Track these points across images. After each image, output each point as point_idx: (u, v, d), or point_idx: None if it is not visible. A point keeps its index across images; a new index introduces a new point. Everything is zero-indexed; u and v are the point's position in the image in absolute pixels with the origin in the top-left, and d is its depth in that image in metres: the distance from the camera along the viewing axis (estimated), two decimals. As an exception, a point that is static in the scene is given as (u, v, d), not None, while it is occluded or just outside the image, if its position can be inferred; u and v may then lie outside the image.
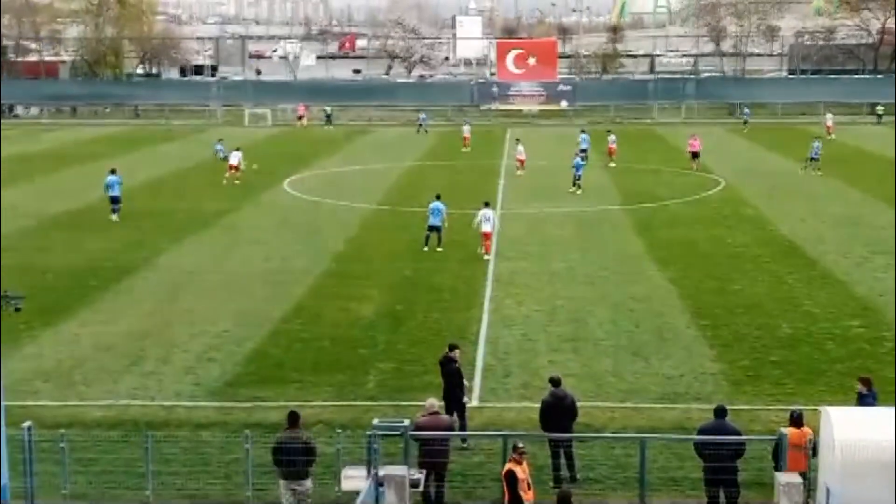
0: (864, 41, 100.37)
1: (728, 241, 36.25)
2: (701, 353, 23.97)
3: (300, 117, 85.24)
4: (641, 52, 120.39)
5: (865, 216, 40.61)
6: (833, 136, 67.70)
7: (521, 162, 53.02)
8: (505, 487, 14.70)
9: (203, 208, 42.96)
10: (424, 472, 15.90)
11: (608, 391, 21.51)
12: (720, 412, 16.32)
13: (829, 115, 73.09)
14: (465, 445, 18.07)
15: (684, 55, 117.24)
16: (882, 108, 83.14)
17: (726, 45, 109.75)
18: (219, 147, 57.78)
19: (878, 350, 24.09)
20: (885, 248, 34.52)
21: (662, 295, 29.12)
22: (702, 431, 16.25)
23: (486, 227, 33.69)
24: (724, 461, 15.57)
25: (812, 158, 52.52)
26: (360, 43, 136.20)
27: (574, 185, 46.12)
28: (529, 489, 14.74)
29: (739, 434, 16.13)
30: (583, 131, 61.58)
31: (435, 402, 17.22)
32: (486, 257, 33.24)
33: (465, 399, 19.25)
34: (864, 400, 17.31)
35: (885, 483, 14.40)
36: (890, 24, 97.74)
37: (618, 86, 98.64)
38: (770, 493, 15.43)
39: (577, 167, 46.59)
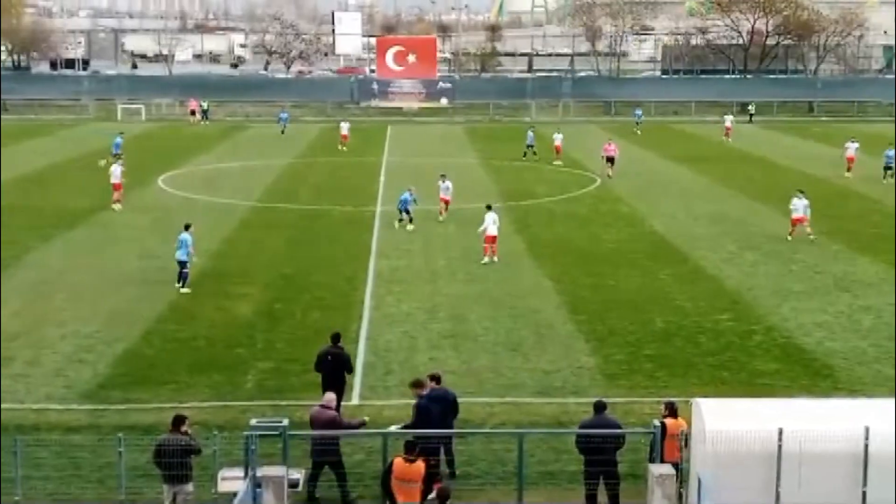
0: (734, 42, 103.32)
1: (604, 238, 36.89)
2: (577, 347, 24.34)
3: (192, 112, 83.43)
4: (520, 51, 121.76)
5: (735, 214, 41.75)
6: (730, 138, 68.45)
7: (446, 203, 39.60)
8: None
9: (74, 205, 41.83)
10: (304, 471, 15.78)
11: (487, 387, 21.64)
12: (600, 407, 16.56)
13: (728, 117, 73.18)
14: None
15: (559, 55, 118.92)
16: (752, 106, 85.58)
17: (602, 45, 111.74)
18: (118, 141, 55.38)
19: (746, 343, 24.80)
20: (754, 244, 35.61)
21: (540, 291, 29.47)
22: (583, 426, 16.47)
23: (492, 231, 32.69)
24: (605, 455, 15.82)
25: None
26: (238, 38, 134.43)
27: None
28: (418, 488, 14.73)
29: (620, 427, 16.40)
30: (531, 128, 62.17)
31: (333, 396, 17.19)
32: (493, 259, 32.50)
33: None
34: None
35: (754, 472, 14.84)
36: (759, 25, 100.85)
37: (496, 84, 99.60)
38: (643, 484, 15.71)
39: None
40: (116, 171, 42.33)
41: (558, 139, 58.34)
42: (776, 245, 35.48)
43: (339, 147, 64.26)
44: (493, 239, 32.75)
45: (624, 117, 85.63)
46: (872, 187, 47.93)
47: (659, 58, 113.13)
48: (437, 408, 16.92)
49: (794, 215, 35.92)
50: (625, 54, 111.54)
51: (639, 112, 79.51)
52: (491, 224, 32.73)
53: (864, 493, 14.82)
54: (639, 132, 73.92)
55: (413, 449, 14.80)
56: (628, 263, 33.03)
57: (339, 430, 16.43)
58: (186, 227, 29.81)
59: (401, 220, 37.84)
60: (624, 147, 58.52)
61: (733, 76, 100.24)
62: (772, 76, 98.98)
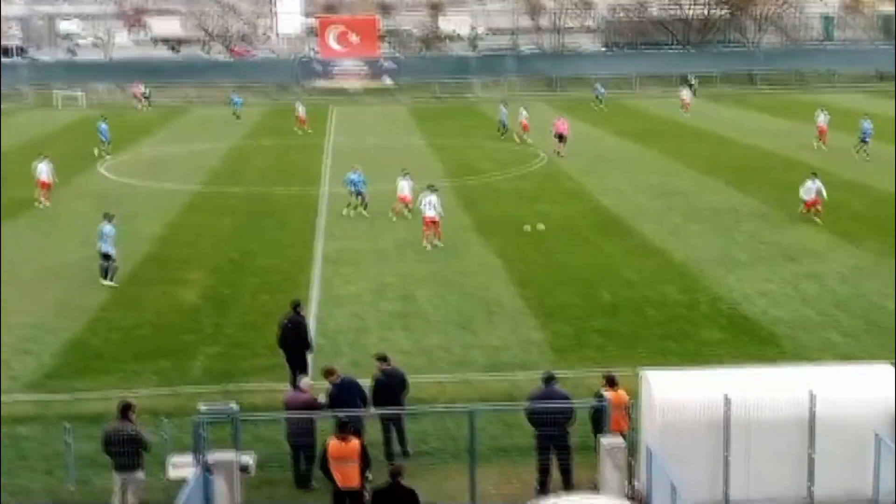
0: (675, 15, 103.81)
1: (550, 214, 36.96)
2: (526, 323, 24.43)
3: (136, 96, 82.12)
4: (462, 29, 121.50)
5: (681, 187, 42.04)
6: (688, 112, 68.42)
7: (406, 202, 36.11)
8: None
9: (14, 195, 41.11)
10: (254, 455, 15.71)
11: (438, 365, 21.69)
12: (549, 379, 16.66)
13: (684, 91, 73.39)
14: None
15: (497, 32, 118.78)
16: (695, 79, 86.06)
17: (544, 21, 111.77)
18: (103, 126, 53.92)
19: (693, 313, 25.05)
20: (699, 217, 35.92)
21: (489, 268, 29.52)
22: (532, 398, 16.55)
23: (428, 212, 31.91)
24: (556, 427, 15.90)
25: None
26: (175, 24, 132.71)
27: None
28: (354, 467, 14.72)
29: (569, 399, 16.48)
30: (503, 104, 61.72)
31: (308, 380, 17.17)
32: (436, 243, 31.83)
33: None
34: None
35: (703, 441, 14.99)
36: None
37: (440, 62, 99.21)
38: (594, 456, 15.81)
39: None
40: (43, 169, 39.86)
41: (524, 116, 57.97)
42: (721, 217, 35.83)
43: (296, 130, 63.37)
44: (431, 222, 32.03)
45: (567, 92, 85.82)
46: (814, 156, 48.46)
47: (602, 33, 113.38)
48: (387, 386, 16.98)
49: (808, 197, 34.58)
50: (567, 30, 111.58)
51: (600, 88, 78.81)
52: (427, 206, 31.99)
53: (810, 457, 15.04)
54: (605, 108, 73.47)
55: (345, 427, 14.81)
56: (575, 238, 33.18)
57: (316, 412, 16.37)
58: (108, 219, 28.41)
59: (349, 205, 37.25)
60: (570, 123, 58.56)
61: (675, 49, 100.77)
62: (713, 48, 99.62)
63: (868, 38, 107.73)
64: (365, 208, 36.87)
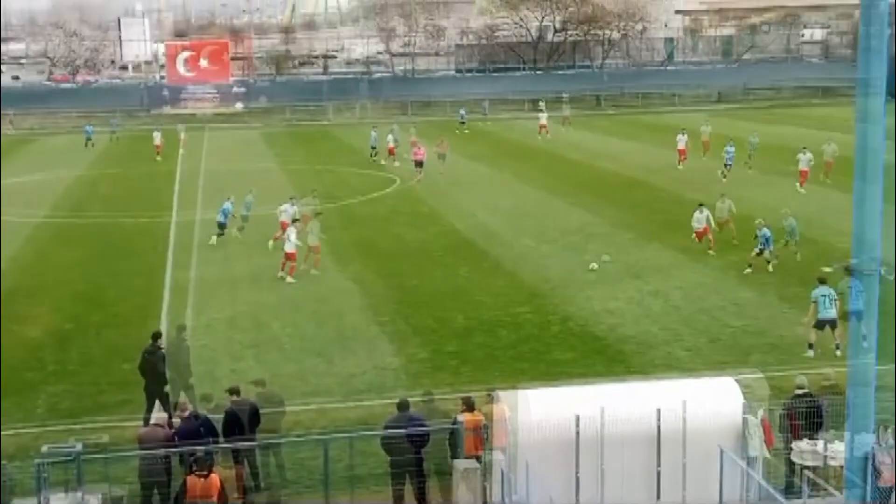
0: (523, 39, 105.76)
1: (405, 239, 37.11)
2: (381, 348, 24.42)
3: None
4: (315, 53, 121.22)
5: (531, 209, 42.69)
6: (548, 134, 68.96)
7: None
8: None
9: None
10: (100, 495, 15.22)
11: (292, 394, 21.38)
12: (404, 406, 16.68)
13: (541, 114, 74.00)
14: None
15: (351, 61, 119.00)
16: (543, 103, 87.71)
17: (396, 45, 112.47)
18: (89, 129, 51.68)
19: (545, 333, 25.44)
20: (549, 237, 36.55)
21: (343, 294, 29.42)
22: (387, 425, 16.51)
23: (288, 247, 30.85)
24: (410, 453, 15.90)
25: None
26: (18, 47, 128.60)
27: None
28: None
29: (424, 424, 16.52)
30: (374, 128, 62.06)
31: (162, 415, 16.78)
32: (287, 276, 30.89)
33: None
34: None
35: (556, 459, 15.18)
36: (547, 22, 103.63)
37: (292, 86, 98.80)
38: (450, 479, 15.87)
39: None
40: None
41: (391, 140, 57.96)
42: (570, 237, 36.54)
43: (156, 157, 61.79)
44: (291, 255, 31.04)
45: (421, 116, 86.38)
46: (657, 177, 49.89)
47: (452, 57, 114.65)
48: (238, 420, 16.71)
49: (699, 226, 33.39)
50: (419, 54, 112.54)
51: (462, 112, 79.24)
52: (310, 234, 31.51)
53: (658, 472, 15.39)
54: (466, 131, 74.09)
55: (204, 463, 14.53)
56: (429, 262, 33.36)
57: (168, 448, 15.93)
58: None
59: (220, 235, 36.28)
60: (426, 147, 58.86)
61: (524, 72, 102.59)
62: (560, 71, 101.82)
63: (708, 59, 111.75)
64: (219, 236, 36.27)
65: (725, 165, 48.41)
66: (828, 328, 23.03)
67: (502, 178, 51.62)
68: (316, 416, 20.18)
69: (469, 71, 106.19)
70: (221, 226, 36.26)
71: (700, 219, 33.39)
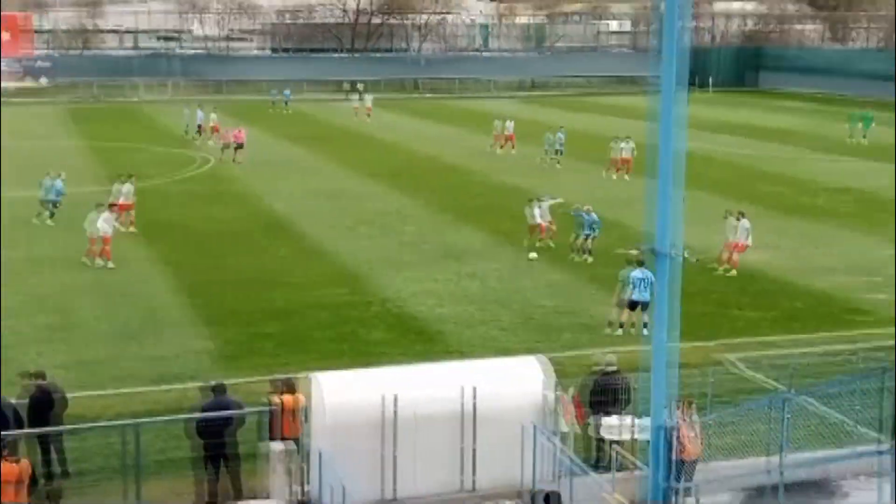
0: (341, 20, 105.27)
1: (220, 219, 36.45)
2: (195, 331, 23.92)
3: None
4: (124, 28, 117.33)
5: (350, 190, 42.64)
6: (369, 118, 68.70)
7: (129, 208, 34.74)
8: None
9: None
10: None
11: (101, 379, 20.77)
12: (219, 389, 16.42)
13: (368, 96, 73.04)
14: None
15: (163, 36, 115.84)
16: (362, 85, 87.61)
17: (210, 23, 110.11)
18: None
19: (363, 315, 25.46)
20: (368, 218, 36.60)
21: (155, 276, 28.69)
22: (205, 409, 16.23)
23: (93, 230, 29.48)
24: (224, 436, 15.68)
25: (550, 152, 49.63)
26: None
27: None
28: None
29: (241, 407, 16.30)
30: (200, 107, 59.49)
31: None
32: (95, 262, 29.45)
33: None
34: None
35: (372, 440, 15.25)
36: (364, 4, 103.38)
37: (100, 62, 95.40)
38: (266, 462, 15.73)
39: None
40: None
41: (214, 119, 56.68)
42: (388, 219, 36.68)
43: None
44: (101, 240, 29.61)
45: (236, 95, 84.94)
46: (475, 160, 50.63)
47: (268, 36, 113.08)
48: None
49: (531, 222, 32.30)
50: (233, 33, 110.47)
51: (287, 92, 78.08)
52: (101, 222, 29.86)
53: (473, 451, 15.65)
54: (288, 112, 73.02)
55: (15, 449, 14.00)
56: (245, 243, 32.89)
57: None
58: None
59: (52, 214, 34.89)
60: (234, 125, 57.90)
61: (342, 55, 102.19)
62: (378, 54, 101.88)
63: (522, 47, 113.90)
64: (50, 216, 34.93)
65: (557, 152, 48.95)
66: (639, 308, 23.83)
67: (320, 161, 51.33)
68: (125, 401, 19.58)
69: (286, 51, 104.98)
70: (55, 204, 34.96)
71: (534, 214, 32.03)
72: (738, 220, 29.48)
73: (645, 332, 23.13)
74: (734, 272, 28.90)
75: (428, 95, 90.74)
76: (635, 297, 23.61)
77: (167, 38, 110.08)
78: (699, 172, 38.15)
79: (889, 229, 34.21)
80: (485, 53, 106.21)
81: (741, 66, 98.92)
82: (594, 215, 30.82)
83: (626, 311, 23.92)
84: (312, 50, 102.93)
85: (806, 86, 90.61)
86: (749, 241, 29.28)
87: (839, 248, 32.43)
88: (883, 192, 41.93)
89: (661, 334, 12.65)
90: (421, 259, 30.93)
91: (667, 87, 12.09)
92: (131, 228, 33.86)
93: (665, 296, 12.65)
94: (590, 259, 30.34)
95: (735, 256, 29.14)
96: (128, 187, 34.49)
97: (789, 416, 14.20)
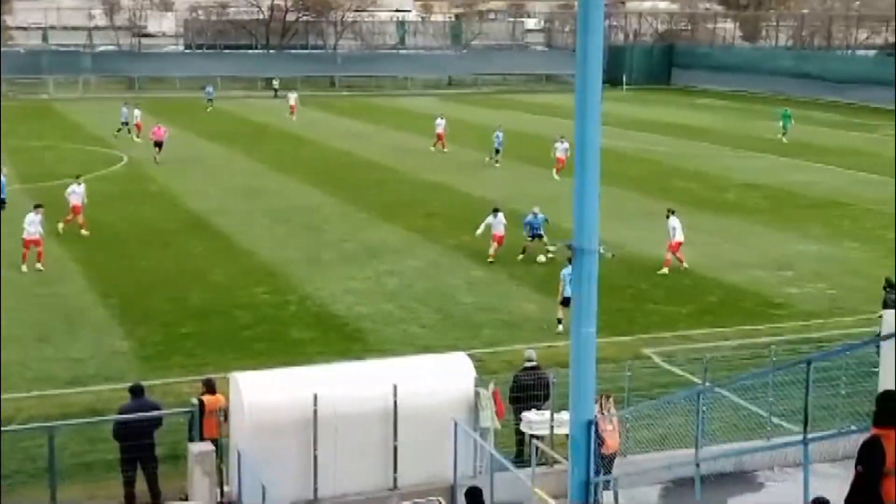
0: (255, 17, 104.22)
1: (135, 218, 35.88)
2: (111, 332, 23.56)
3: None
4: (34, 24, 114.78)
5: (267, 188, 42.27)
6: (295, 116, 67.98)
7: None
8: None
9: None
10: None
11: (14, 381, 20.32)
12: (137, 391, 16.20)
13: (292, 94, 72.13)
14: None
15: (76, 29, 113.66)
16: (277, 81, 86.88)
17: (121, 19, 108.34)
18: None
19: (282, 313, 25.31)
20: (286, 217, 36.34)
21: (68, 276, 28.16)
22: (122, 412, 16.00)
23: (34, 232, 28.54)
24: (142, 439, 15.47)
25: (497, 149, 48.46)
26: None
27: None
28: None
29: (158, 408, 16.10)
30: (125, 104, 58.21)
31: None
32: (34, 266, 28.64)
33: None
34: None
35: (293, 439, 15.16)
36: (279, 0, 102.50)
37: (8, 58, 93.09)
38: (185, 463, 15.54)
39: None
40: None
41: (137, 116, 55.90)
42: (307, 217, 36.48)
43: None
44: (33, 242, 28.87)
45: (148, 93, 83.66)
46: (390, 157, 50.57)
47: (181, 32, 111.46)
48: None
49: (495, 231, 30.30)
50: (146, 30, 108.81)
51: (210, 89, 76.86)
52: (39, 225, 29.09)
53: (395, 448, 15.65)
54: (210, 110, 72.01)
55: None
56: (161, 242, 32.44)
57: None
58: None
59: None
60: (154, 122, 57.00)
61: (256, 51, 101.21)
62: (294, 52, 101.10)
63: (438, 44, 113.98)
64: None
65: (496, 150, 48.27)
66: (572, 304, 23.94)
67: (235, 157, 50.83)
68: (40, 403, 19.22)
69: (199, 47, 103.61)
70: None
71: (495, 223, 30.37)
72: (667, 218, 29.60)
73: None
74: (665, 270, 29.06)
75: (345, 93, 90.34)
76: (566, 293, 23.80)
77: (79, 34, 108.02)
78: (614, 169, 38.62)
79: (799, 225, 35.09)
80: (402, 51, 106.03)
81: (654, 65, 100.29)
82: (541, 216, 30.20)
83: (561, 308, 24.13)
84: (227, 47, 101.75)
85: (717, 83, 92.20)
86: (679, 238, 29.30)
87: (750, 243, 33.09)
88: (792, 188, 42.89)
89: (580, 329, 12.76)
90: (340, 257, 30.81)
91: (582, 85, 12.18)
92: (83, 231, 33.16)
93: (584, 291, 12.76)
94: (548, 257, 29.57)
95: (668, 255, 29.36)
96: (81, 188, 33.72)
97: (705, 408, 14.44)
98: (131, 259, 30.18)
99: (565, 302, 23.99)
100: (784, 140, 57.08)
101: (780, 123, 58.81)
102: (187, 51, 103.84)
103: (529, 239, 30.31)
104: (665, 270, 29.05)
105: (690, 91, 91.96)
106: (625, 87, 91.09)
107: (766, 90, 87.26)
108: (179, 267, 29.47)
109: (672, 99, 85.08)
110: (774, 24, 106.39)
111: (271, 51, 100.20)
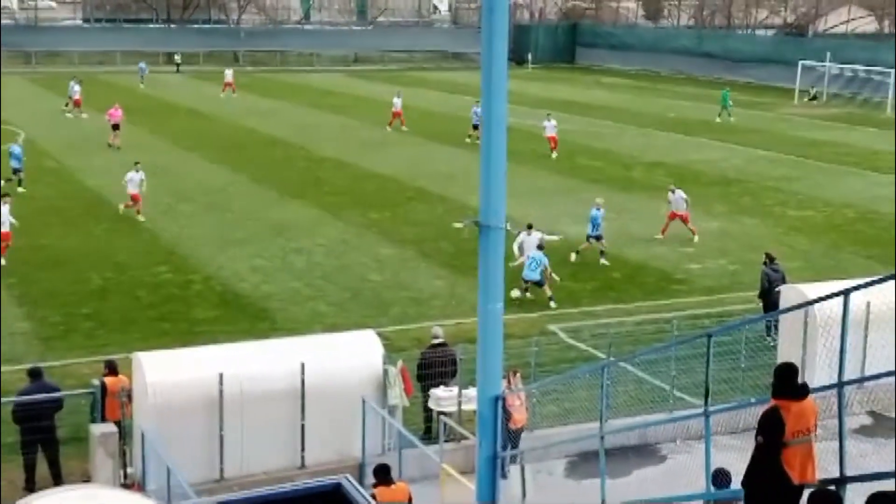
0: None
1: (31, 196, 34.98)
2: (9, 312, 22.95)
3: None
4: None
5: (169, 165, 41.50)
6: (235, 93, 66.59)
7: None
8: None
9: None
10: None
11: None
12: (36, 374, 15.90)
13: (228, 71, 70.41)
14: None
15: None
16: (179, 56, 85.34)
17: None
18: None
19: (186, 293, 24.99)
20: (189, 195, 35.81)
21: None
22: (22, 394, 15.66)
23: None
24: (42, 421, 15.18)
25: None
26: None
27: None
28: None
29: (58, 391, 15.80)
30: (75, 80, 56.40)
31: None
32: None
33: None
34: None
35: (198, 419, 15.01)
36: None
37: None
38: (87, 445, 15.28)
39: None
40: None
41: (77, 91, 54.96)
42: (211, 195, 35.99)
43: None
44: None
45: (46, 68, 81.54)
46: (297, 135, 50.12)
47: (79, 5, 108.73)
48: None
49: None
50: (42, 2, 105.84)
51: (143, 66, 74.86)
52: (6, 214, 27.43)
53: (302, 427, 15.59)
54: (143, 86, 70.36)
55: None
56: (61, 221, 31.73)
57: None
58: None
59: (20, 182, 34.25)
60: (48, 100, 55.86)
61: (158, 25, 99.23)
62: (196, 26, 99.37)
63: (344, 20, 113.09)
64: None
65: (474, 127, 45.51)
66: (534, 287, 24.35)
67: (137, 133, 49.78)
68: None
69: (98, 21, 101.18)
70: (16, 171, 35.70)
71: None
72: (672, 192, 30.82)
73: (553, 304, 23.75)
74: (696, 238, 30.33)
75: (248, 69, 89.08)
76: (525, 276, 24.21)
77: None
78: (519, 148, 38.84)
79: (701, 202, 35.67)
80: (307, 26, 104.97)
81: (559, 44, 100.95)
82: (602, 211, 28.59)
83: (531, 287, 24.53)
84: (127, 21, 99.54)
85: (621, 62, 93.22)
86: (686, 211, 30.65)
87: (653, 220, 33.58)
88: (695, 166, 43.65)
89: (487, 305, 12.84)
90: (245, 235, 30.48)
91: (488, 63, 12.21)
92: (139, 217, 32.15)
93: (490, 268, 12.83)
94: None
95: (691, 227, 30.61)
96: (139, 175, 32.62)
97: (609, 383, 14.65)
98: (30, 238, 29.36)
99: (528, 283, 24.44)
100: (732, 120, 57.46)
101: (721, 104, 59.23)
102: (86, 24, 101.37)
103: (595, 239, 28.11)
104: (696, 238, 30.41)
105: (595, 70, 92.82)
106: (530, 65, 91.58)
107: (668, 69, 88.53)
108: (80, 246, 28.87)
109: (577, 77, 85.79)
110: (676, 3, 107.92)
111: (172, 25, 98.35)
